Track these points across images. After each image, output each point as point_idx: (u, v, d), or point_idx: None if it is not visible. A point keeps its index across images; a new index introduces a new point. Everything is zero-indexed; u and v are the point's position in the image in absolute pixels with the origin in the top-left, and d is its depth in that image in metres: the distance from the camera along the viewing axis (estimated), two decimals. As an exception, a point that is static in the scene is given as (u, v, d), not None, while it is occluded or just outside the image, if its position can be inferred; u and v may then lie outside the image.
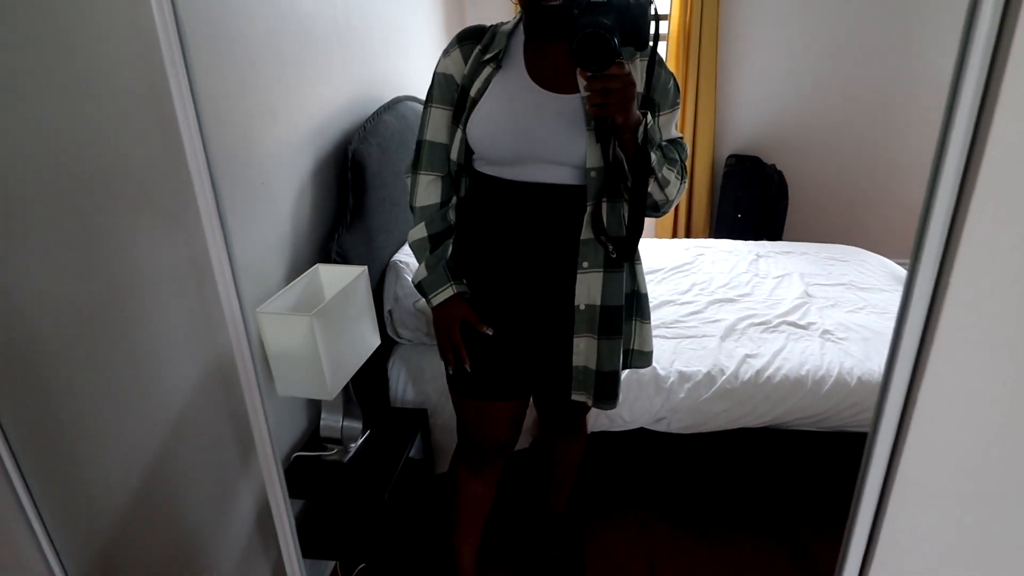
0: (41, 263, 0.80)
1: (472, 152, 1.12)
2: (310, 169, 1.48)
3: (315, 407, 1.55)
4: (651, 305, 1.80)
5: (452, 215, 1.19)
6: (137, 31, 0.91)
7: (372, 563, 1.62)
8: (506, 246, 1.13)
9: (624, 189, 1.07)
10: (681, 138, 1.14)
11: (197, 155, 0.77)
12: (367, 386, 1.61)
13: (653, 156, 1.01)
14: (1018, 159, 0.52)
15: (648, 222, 3.35)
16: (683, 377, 1.66)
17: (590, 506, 1.84)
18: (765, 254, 2.41)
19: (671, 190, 1.07)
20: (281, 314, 1.19)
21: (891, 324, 0.62)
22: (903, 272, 2.20)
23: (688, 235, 3.33)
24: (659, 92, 1.07)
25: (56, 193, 0.81)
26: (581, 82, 1.01)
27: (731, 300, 2.03)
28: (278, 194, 1.35)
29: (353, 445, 1.45)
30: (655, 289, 2.10)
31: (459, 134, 1.10)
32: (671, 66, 3.04)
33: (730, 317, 1.91)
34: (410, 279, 1.65)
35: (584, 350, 1.14)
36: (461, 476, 1.37)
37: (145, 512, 1.02)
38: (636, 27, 0.93)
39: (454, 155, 1.12)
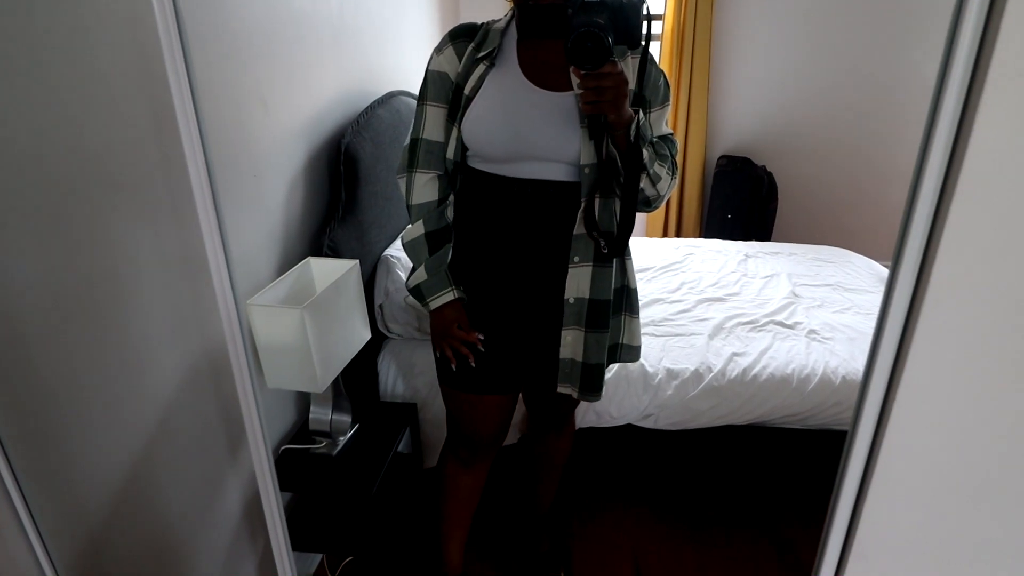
0: (29, 255, 0.80)
1: (466, 149, 1.12)
2: (303, 162, 1.48)
3: (304, 400, 1.55)
4: (641, 303, 1.82)
5: (450, 213, 1.19)
6: (132, 22, 0.91)
7: (360, 556, 1.63)
8: (500, 241, 1.14)
9: (616, 185, 1.08)
10: (672, 134, 1.16)
11: (195, 148, 0.77)
12: (357, 380, 1.61)
13: (645, 152, 1.02)
14: (998, 163, 0.53)
15: (639, 221, 3.38)
16: (671, 374, 1.68)
17: (577, 501, 1.86)
18: (754, 254, 2.44)
19: (662, 185, 1.08)
20: (272, 306, 1.19)
21: (873, 324, 0.63)
22: (888, 274, 2.23)
23: (679, 234, 3.35)
24: (650, 89, 1.08)
25: (45, 184, 0.81)
26: (575, 80, 1.02)
27: (720, 299, 2.06)
28: (270, 187, 1.35)
29: (342, 438, 1.46)
30: (645, 287, 2.11)
31: (455, 132, 1.10)
32: (665, 66, 3.06)
33: (718, 316, 1.93)
34: (402, 275, 1.66)
35: (571, 343, 1.16)
36: (450, 470, 1.38)
37: (133, 504, 1.02)
38: (629, 26, 0.95)
39: (450, 153, 1.13)
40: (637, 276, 1.28)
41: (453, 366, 1.21)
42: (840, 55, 3.00)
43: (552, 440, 1.51)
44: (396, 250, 1.74)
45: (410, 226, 1.19)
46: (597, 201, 1.08)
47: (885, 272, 2.31)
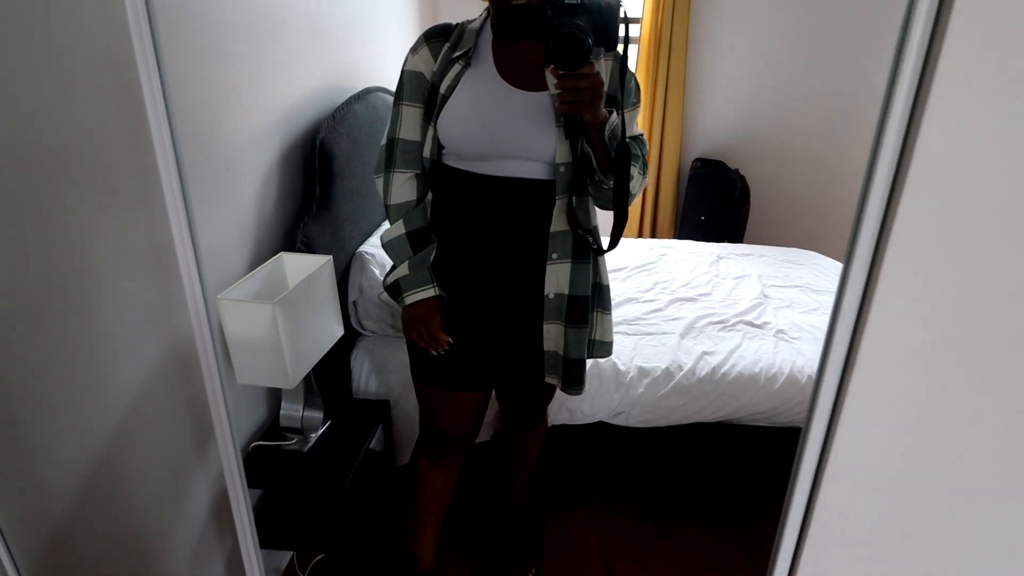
0: (-7, 242, 0.78)
1: (443, 148, 1.13)
2: (277, 157, 1.47)
3: (275, 396, 1.54)
4: (614, 302, 1.84)
5: (429, 212, 1.20)
6: (104, 11, 0.89)
7: (330, 553, 1.62)
8: (476, 238, 1.15)
9: (590, 183, 1.10)
10: (642, 135, 1.18)
11: (164, 140, 0.77)
12: (329, 376, 1.61)
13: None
14: (943, 165, 0.56)
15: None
16: (642, 372, 1.70)
17: (549, 498, 1.87)
18: (726, 256, 2.48)
19: (634, 184, 1.11)
20: (242, 301, 1.18)
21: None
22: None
23: (654, 235, 3.39)
24: (623, 91, 1.10)
25: (6, 176, 0.80)
26: (551, 80, 1.04)
27: (691, 299, 2.09)
28: (243, 181, 1.34)
29: (313, 435, 1.45)
30: (619, 287, 2.14)
31: (431, 131, 1.11)
32: (642, 70, 3.10)
33: (689, 315, 1.97)
34: (376, 271, 1.65)
35: (554, 336, 1.18)
36: (422, 467, 1.38)
37: (98, 502, 1.01)
38: (606, 28, 0.97)
39: (427, 152, 1.13)
40: (611, 275, 1.30)
41: (435, 351, 1.20)
42: (812, 63, 3.08)
43: (525, 438, 1.53)
44: (371, 247, 1.73)
45: (389, 226, 1.19)
46: (573, 199, 1.10)
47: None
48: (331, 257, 1.34)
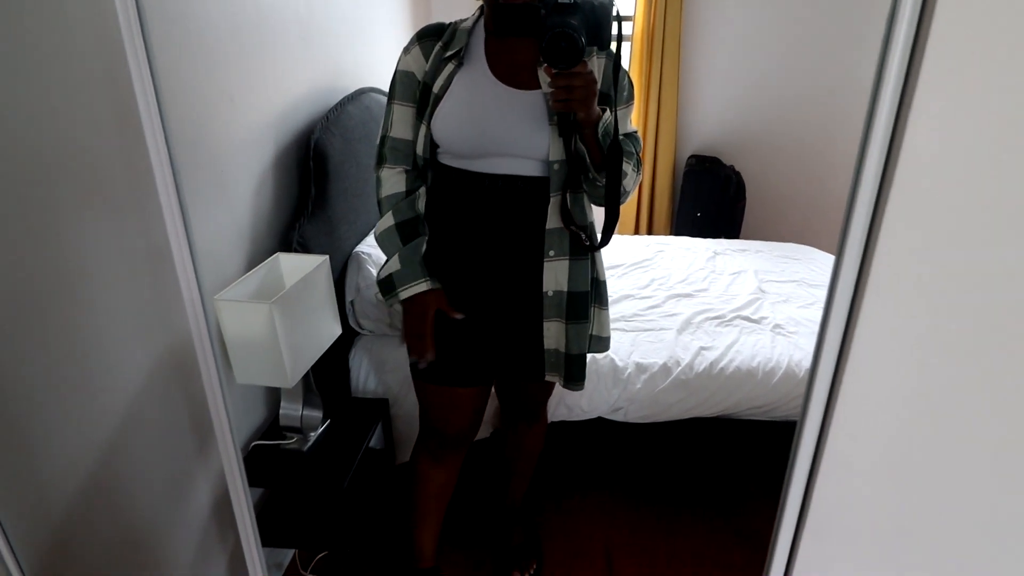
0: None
1: (436, 146, 1.14)
2: (271, 158, 1.47)
3: (274, 396, 1.54)
4: (611, 299, 1.85)
5: (420, 205, 1.19)
6: (96, 14, 0.90)
7: (332, 551, 1.63)
8: (472, 235, 1.16)
9: (584, 180, 1.10)
10: (635, 132, 1.19)
11: (158, 142, 0.77)
12: (328, 375, 1.61)
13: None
14: (929, 160, 0.57)
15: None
16: (640, 368, 1.71)
17: (549, 494, 1.88)
18: (722, 251, 2.49)
19: (628, 182, 1.11)
20: (240, 302, 1.18)
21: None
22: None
23: (650, 232, 3.40)
24: (616, 89, 1.11)
25: (2, 178, 0.80)
26: (544, 78, 1.04)
27: (688, 295, 2.10)
28: (239, 182, 1.34)
29: (313, 434, 1.45)
30: (616, 284, 2.15)
31: (423, 129, 1.12)
32: (635, 68, 3.11)
33: (687, 311, 1.97)
34: (373, 271, 1.66)
35: (554, 334, 1.19)
36: (422, 464, 1.39)
37: (100, 502, 1.01)
38: (599, 27, 0.97)
39: (419, 150, 1.14)
40: (608, 272, 1.30)
41: (420, 364, 1.20)
42: (805, 59, 3.08)
43: (525, 434, 1.53)
44: (367, 246, 1.74)
45: (381, 219, 1.20)
46: (568, 196, 1.11)
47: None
48: (327, 257, 1.34)
